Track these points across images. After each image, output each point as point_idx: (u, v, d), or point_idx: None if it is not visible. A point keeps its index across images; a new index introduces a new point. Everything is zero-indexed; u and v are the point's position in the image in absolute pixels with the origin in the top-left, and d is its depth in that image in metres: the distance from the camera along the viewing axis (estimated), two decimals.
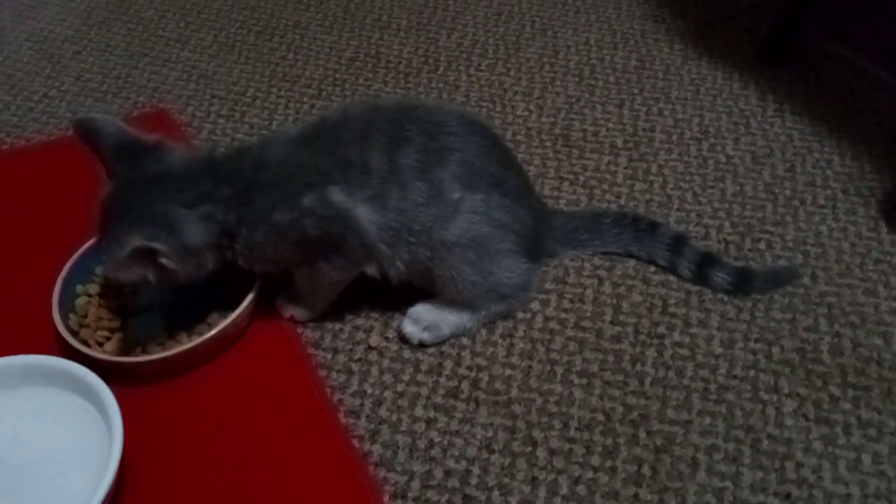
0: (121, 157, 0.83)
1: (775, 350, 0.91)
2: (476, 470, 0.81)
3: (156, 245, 0.78)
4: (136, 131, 0.85)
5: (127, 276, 0.82)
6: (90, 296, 0.95)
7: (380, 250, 0.85)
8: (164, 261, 0.79)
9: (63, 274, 0.92)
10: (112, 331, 0.92)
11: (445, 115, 0.89)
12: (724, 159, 1.14)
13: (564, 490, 0.79)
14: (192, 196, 0.81)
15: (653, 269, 0.99)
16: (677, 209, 1.07)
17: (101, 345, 0.90)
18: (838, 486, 0.79)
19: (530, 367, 0.90)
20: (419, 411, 0.86)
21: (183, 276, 0.83)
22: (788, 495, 0.78)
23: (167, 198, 0.81)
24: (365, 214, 0.83)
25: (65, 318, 0.89)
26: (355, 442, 0.84)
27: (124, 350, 0.90)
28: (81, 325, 0.91)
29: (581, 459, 0.82)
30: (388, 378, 0.89)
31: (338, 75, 1.33)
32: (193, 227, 0.81)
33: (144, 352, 0.90)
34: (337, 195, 0.82)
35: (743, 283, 0.95)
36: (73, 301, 0.93)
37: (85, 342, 0.88)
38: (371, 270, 0.88)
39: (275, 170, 0.84)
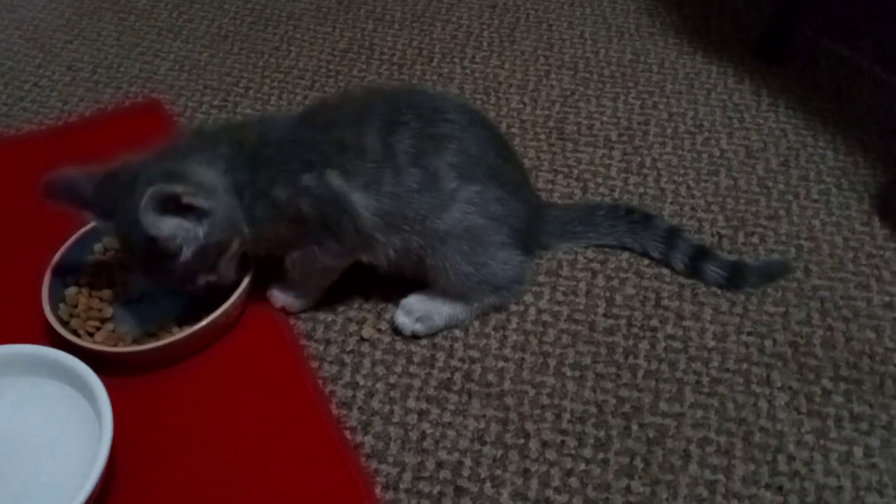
0: (102, 193, 0.84)
1: (768, 343, 0.91)
2: (468, 461, 0.81)
3: (177, 189, 0.77)
4: (93, 168, 0.85)
5: (167, 230, 0.79)
6: (80, 285, 0.94)
7: (373, 238, 0.85)
8: (188, 200, 0.78)
9: (53, 263, 0.92)
10: (102, 321, 0.92)
11: (445, 102, 0.89)
12: (718, 153, 1.14)
13: (556, 482, 0.79)
14: (181, 156, 0.83)
15: (646, 262, 0.99)
16: (671, 202, 1.07)
17: (91, 335, 0.90)
18: (830, 478, 0.79)
19: (523, 359, 0.90)
20: (411, 403, 0.86)
21: (224, 220, 0.82)
22: (780, 488, 0.78)
23: (157, 163, 0.83)
24: (360, 200, 0.83)
25: (55, 308, 0.88)
26: (347, 433, 0.83)
27: (114, 340, 0.90)
28: (71, 315, 0.91)
29: (573, 451, 0.82)
30: (380, 369, 0.89)
31: (331, 66, 1.32)
32: (196, 165, 0.82)
33: (135, 342, 0.89)
34: (335, 179, 0.83)
35: (736, 276, 0.95)
36: (64, 290, 0.92)
37: (75, 332, 0.87)
38: (366, 258, 0.88)
39: (275, 146, 0.84)
